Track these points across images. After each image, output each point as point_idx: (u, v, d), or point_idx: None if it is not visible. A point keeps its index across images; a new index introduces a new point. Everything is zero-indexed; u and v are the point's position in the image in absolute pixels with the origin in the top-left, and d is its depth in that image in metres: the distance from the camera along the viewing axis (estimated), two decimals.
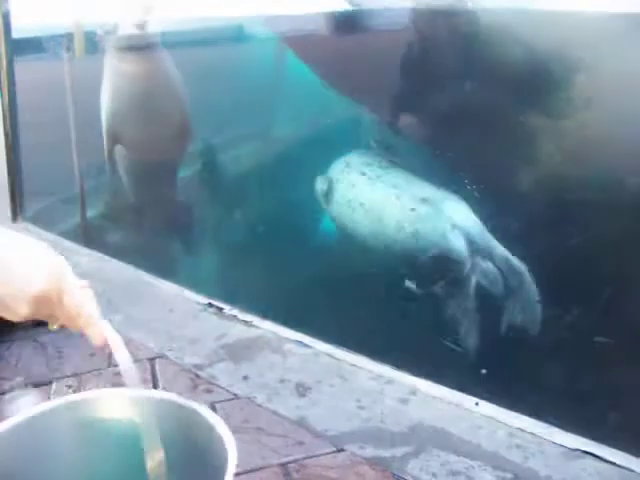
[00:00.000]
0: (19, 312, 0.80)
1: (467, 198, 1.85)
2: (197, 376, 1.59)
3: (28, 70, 3.26)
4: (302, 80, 2.49)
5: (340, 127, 2.41)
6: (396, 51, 2.06)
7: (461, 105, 1.93)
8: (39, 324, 1.81)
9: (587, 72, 1.63)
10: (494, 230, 1.79)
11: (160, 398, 0.91)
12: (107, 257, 2.40)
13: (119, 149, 2.72)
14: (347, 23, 2.35)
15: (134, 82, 2.59)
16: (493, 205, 1.81)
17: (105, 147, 2.70)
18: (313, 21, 2.39)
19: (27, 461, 0.90)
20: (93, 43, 3.09)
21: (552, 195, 1.70)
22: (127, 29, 2.67)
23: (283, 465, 1.27)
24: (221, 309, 1.94)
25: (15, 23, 3.14)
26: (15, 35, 3.14)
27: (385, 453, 1.30)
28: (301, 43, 2.49)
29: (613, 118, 1.57)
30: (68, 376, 1.61)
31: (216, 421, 0.87)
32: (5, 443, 0.87)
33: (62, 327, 0.88)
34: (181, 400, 0.90)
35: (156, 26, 2.58)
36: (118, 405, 0.93)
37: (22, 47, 3.22)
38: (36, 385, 1.58)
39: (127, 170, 2.77)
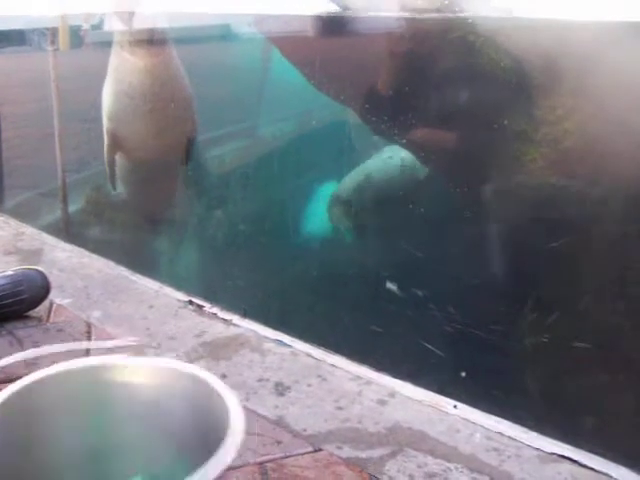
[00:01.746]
0: None
1: None
2: None
3: (11, 62, 3.24)
4: (288, 80, 2.49)
5: (326, 127, 2.41)
6: (381, 55, 2.07)
7: (445, 109, 1.94)
8: (17, 317, 1.80)
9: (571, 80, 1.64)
10: None
11: (165, 366, 0.95)
12: (87, 252, 2.38)
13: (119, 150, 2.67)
14: (334, 26, 2.35)
15: (141, 80, 2.55)
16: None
17: (106, 149, 2.66)
18: (301, 22, 2.39)
19: (40, 419, 0.92)
20: (78, 37, 3.07)
21: (533, 197, 1.71)
22: (113, 23, 2.65)
23: (260, 464, 1.26)
24: (201, 307, 1.93)
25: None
26: None
27: (362, 454, 1.30)
28: (288, 43, 2.50)
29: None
30: None
31: (220, 387, 0.91)
32: (20, 400, 0.90)
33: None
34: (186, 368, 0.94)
35: (161, 22, 2.55)
36: (129, 372, 0.96)
37: (5, 39, 3.20)
38: (11, 380, 1.56)
39: (126, 172, 2.73)
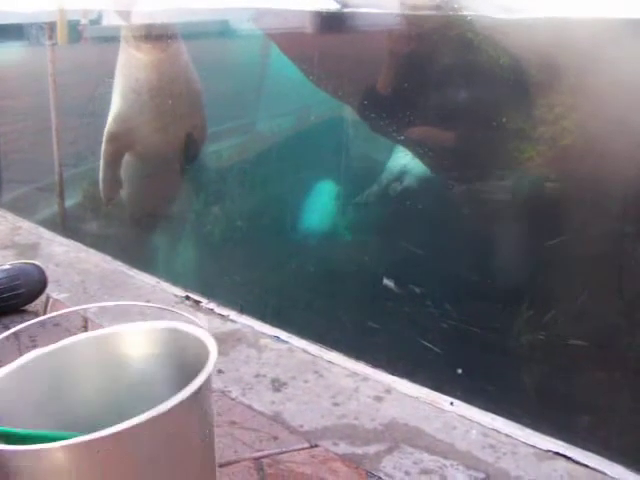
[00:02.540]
0: None
1: None
2: None
3: (9, 57, 3.23)
4: (287, 76, 2.49)
5: (324, 124, 2.41)
6: (380, 51, 2.07)
7: (443, 107, 1.94)
8: (14, 312, 1.80)
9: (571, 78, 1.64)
10: None
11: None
12: (84, 247, 2.38)
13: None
14: (334, 22, 2.35)
15: (148, 76, 2.52)
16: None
17: (103, 146, 2.63)
18: (300, 18, 2.39)
19: (56, 386, 1.02)
20: (76, 32, 3.07)
21: (531, 196, 1.72)
22: (117, 19, 2.64)
23: (256, 460, 1.27)
24: (198, 302, 1.93)
25: None
26: None
27: (358, 450, 1.30)
28: (287, 39, 2.49)
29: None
30: None
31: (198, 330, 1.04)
32: (37, 368, 0.99)
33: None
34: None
35: (167, 17, 2.53)
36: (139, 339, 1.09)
37: (3, 33, 3.19)
38: None
39: (131, 168, 2.70)
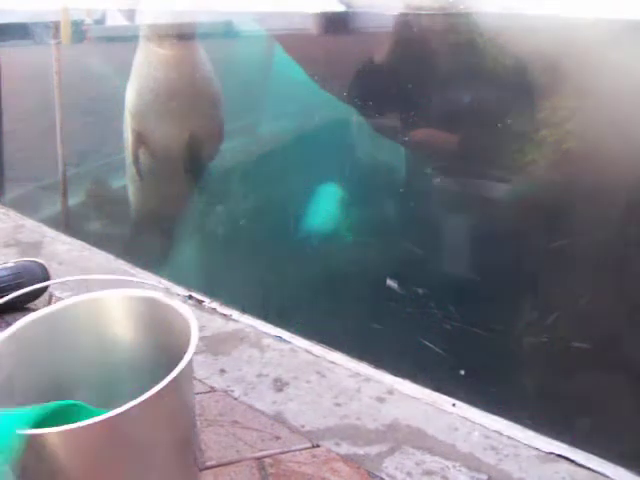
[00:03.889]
0: None
1: None
2: None
3: (13, 56, 3.23)
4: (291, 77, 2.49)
5: (329, 125, 2.41)
6: (384, 53, 2.07)
7: (447, 108, 1.94)
8: (16, 309, 1.80)
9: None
10: None
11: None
12: (87, 245, 2.38)
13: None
14: (338, 23, 2.35)
15: (166, 74, 2.50)
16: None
17: (130, 147, 2.61)
18: (305, 19, 2.39)
19: (51, 348, 1.11)
20: (80, 31, 3.07)
21: (534, 198, 1.71)
22: (116, 18, 2.64)
23: (258, 459, 1.27)
24: (201, 302, 1.93)
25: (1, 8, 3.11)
26: (0, 20, 3.11)
27: (360, 450, 1.30)
28: (291, 41, 2.49)
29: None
30: None
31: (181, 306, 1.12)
32: (31, 331, 1.09)
33: None
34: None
35: (189, 15, 2.51)
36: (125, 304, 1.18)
37: (7, 32, 3.19)
38: None
39: (148, 169, 2.67)
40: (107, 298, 1.19)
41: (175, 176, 2.71)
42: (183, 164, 2.67)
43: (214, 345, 1.69)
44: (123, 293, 1.19)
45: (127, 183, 2.82)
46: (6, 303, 1.77)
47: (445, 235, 1.99)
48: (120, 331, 1.17)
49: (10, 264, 1.84)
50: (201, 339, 1.72)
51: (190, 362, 0.97)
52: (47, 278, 1.85)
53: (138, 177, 2.65)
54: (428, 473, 1.24)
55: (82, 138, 2.88)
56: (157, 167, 2.67)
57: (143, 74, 2.53)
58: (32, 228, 2.55)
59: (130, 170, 2.75)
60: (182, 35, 2.49)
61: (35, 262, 1.87)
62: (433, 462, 1.27)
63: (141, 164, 2.64)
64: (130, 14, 2.87)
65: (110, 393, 1.08)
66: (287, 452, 1.29)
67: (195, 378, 1.54)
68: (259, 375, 1.56)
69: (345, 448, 1.30)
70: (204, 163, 2.70)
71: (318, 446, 1.31)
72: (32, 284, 1.79)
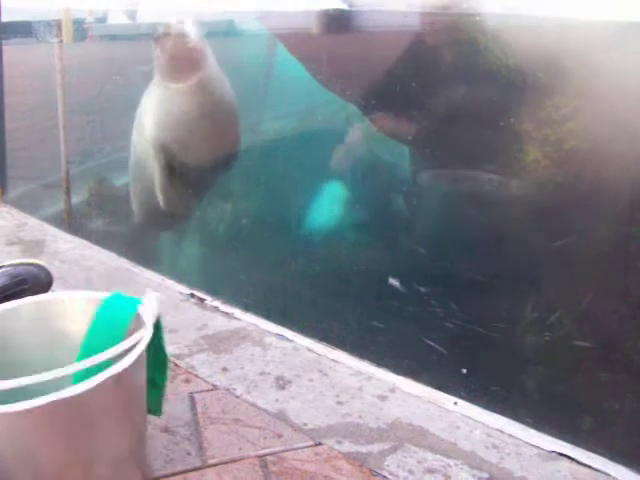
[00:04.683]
0: None
1: None
2: (176, 365, 1.58)
3: (16, 54, 3.24)
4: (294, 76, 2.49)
5: (331, 123, 2.41)
6: (387, 52, 2.07)
7: (450, 107, 1.94)
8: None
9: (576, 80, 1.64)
10: None
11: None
12: (90, 244, 2.39)
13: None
14: (341, 22, 2.35)
15: (185, 107, 2.43)
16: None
17: (159, 178, 2.58)
18: (307, 18, 2.39)
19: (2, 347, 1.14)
20: (82, 30, 3.07)
21: (537, 197, 1.72)
22: (117, 18, 2.63)
23: (261, 457, 1.27)
24: (203, 300, 1.94)
25: (3, 6, 3.11)
26: (3, 18, 3.12)
27: (362, 449, 1.31)
28: (294, 40, 2.49)
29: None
30: None
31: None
32: None
33: None
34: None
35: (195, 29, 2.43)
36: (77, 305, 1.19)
37: (10, 31, 3.20)
38: None
39: (165, 183, 2.64)
40: (56, 300, 1.21)
41: (199, 186, 2.69)
42: (208, 178, 2.65)
43: (216, 343, 1.70)
44: (72, 294, 1.22)
45: (129, 182, 2.82)
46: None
47: (447, 233, 1.99)
48: (72, 331, 1.18)
49: (12, 268, 1.82)
50: (203, 337, 1.73)
51: (141, 355, 1.03)
52: (50, 282, 1.83)
53: (166, 182, 2.61)
54: (430, 471, 1.24)
55: (85, 136, 2.87)
56: (174, 180, 2.64)
57: (162, 109, 2.47)
58: (35, 226, 2.55)
59: (132, 170, 2.75)
60: (194, 65, 2.41)
61: (38, 266, 1.84)
62: (435, 460, 1.27)
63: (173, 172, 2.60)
64: (131, 13, 2.87)
65: None
66: (289, 450, 1.29)
67: (197, 376, 1.54)
68: (261, 373, 1.57)
69: (347, 446, 1.31)
70: (224, 173, 2.69)
71: (320, 444, 1.31)
72: (35, 290, 1.79)
